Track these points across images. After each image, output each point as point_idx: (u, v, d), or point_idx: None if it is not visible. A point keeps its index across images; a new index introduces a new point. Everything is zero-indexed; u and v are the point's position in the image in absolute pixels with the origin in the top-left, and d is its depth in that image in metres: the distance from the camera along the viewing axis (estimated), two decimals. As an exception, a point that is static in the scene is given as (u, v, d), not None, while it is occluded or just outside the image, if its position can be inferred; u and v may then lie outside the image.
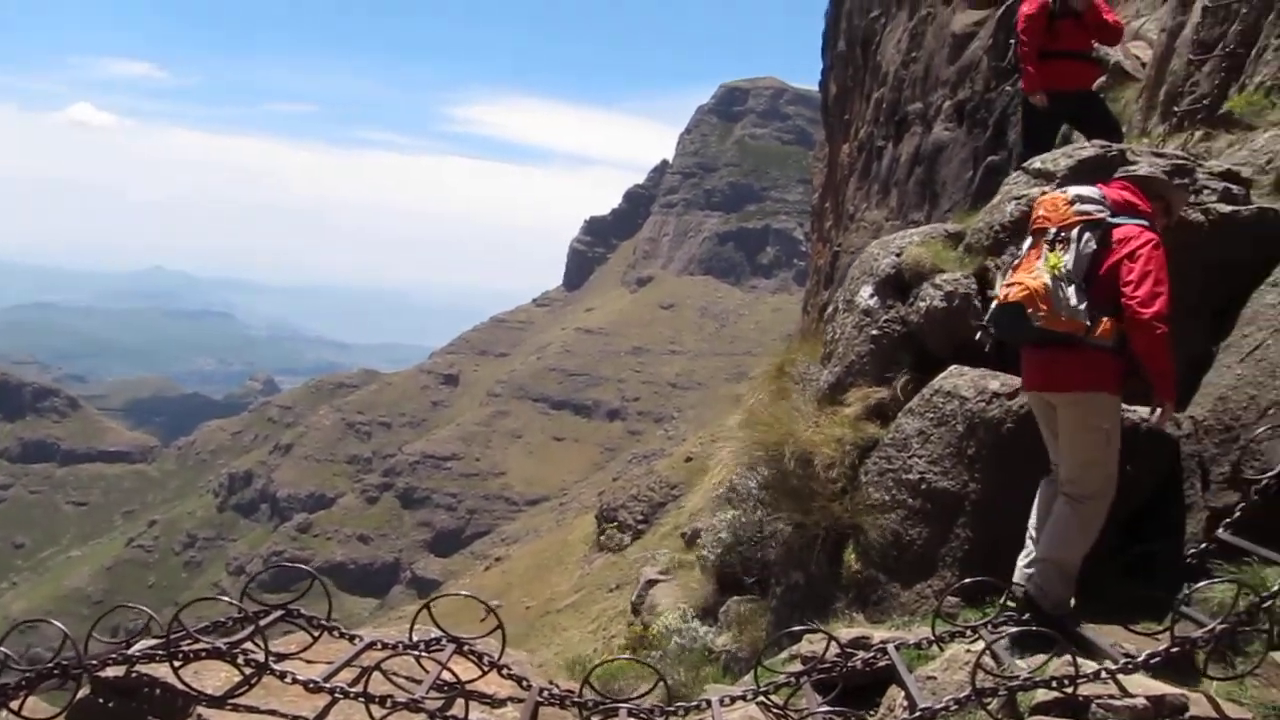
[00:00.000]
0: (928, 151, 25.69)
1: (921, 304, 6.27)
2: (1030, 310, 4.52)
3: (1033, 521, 4.91)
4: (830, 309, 7.43)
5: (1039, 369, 4.77)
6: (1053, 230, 4.70)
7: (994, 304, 4.91)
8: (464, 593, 7.20)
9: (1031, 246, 4.83)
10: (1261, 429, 4.81)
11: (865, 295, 6.62)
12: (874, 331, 6.48)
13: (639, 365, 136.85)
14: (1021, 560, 4.87)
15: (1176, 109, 8.58)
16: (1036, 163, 6.38)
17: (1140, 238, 4.55)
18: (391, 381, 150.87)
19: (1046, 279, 4.52)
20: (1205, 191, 5.82)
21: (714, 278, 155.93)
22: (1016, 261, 4.92)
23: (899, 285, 6.57)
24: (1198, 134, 7.94)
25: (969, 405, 5.54)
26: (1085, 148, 6.40)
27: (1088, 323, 4.47)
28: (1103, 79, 12.86)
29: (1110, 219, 4.65)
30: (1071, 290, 4.49)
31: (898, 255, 6.62)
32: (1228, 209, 5.70)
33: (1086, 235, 4.61)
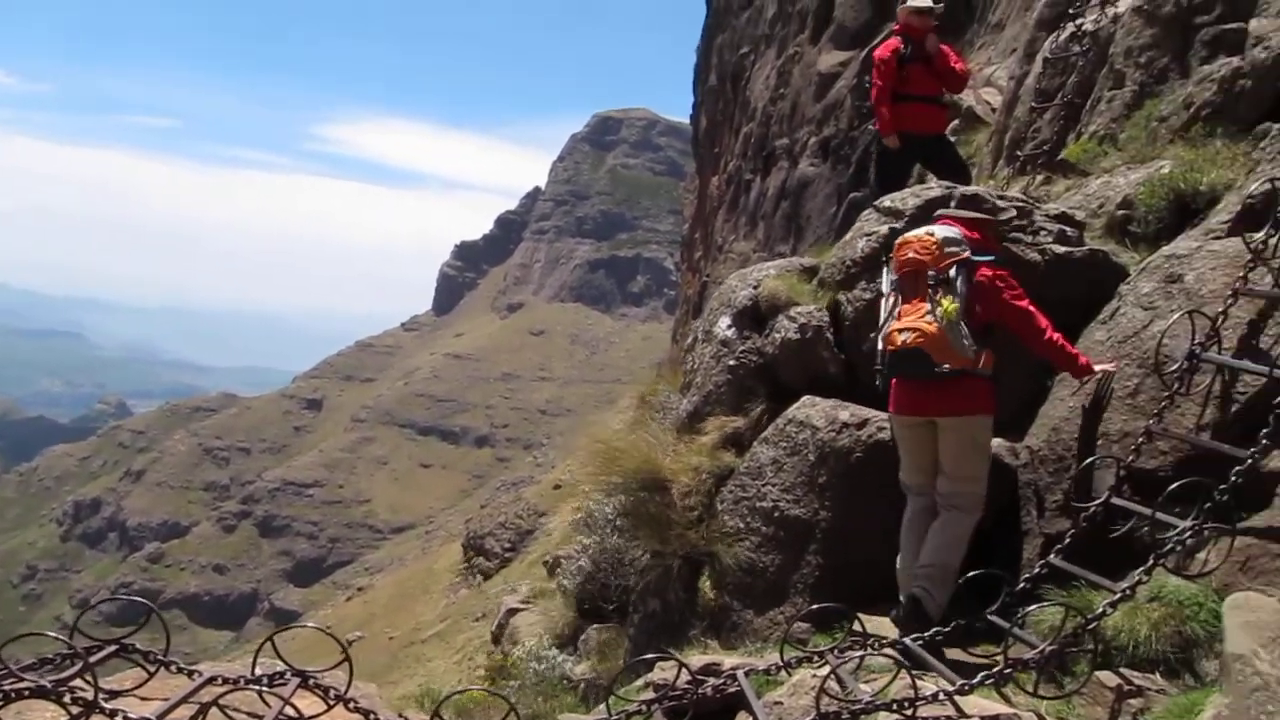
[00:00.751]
0: (794, 186, 26.33)
1: (777, 335, 6.43)
2: (932, 354, 4.86)
3: (903, 551, 5.17)
4: (690, 339, 7.55)
5: (926, 396, 5.02)
6: (932, 273, 4.99)
7: (886, 349, 5.12)
8: (311, 624, 6.99)
9: (906, 287, 5.11)
10: (1091, 459, 5.07)
11: (723, 326, 6.75)
12: (731, 362, 6.60)
13: (509, 391, 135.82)
14: (901, 571, 5.14)
15: (1020, 154, 9.04)
16: (886, 201, 6.61)
17: (1005, 277, 5.06)
18: (252, 406, 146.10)
19: (941, 324, 4.84)
20: (1042, 233, 6.14)
21: (585, 305, 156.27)
22: (895, 304, 5.16)
23: (756, 317, 6.72)
24: (1039, 178, 8.37)
25: (820, 435, 5.69)
26: (932, 188, 6.66)
27: (973, 356, 4.87)
28: (956, 122, 13.45)
29: (972, 257, 5.05)
30: (962, 332, 4.85)
31: (755, 288, 6.78)
32: (1062, 250, 6.02)
33: (960, 277, 4.98)
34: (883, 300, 5.35)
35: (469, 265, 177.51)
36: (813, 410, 5.82)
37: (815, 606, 5.15)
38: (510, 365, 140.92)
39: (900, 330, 4.98)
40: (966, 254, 5.03)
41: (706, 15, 42.39)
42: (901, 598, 5.06)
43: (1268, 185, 5.22)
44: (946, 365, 4.84)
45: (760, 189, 29.77)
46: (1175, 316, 5.02)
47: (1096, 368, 5.06)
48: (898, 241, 5.33)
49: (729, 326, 6.73)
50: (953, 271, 4.96)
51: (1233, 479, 4.25)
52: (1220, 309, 4.91)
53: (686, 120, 49.56)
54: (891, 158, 8.72)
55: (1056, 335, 5.00)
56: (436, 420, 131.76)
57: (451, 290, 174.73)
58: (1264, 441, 4.28)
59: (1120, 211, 6.70)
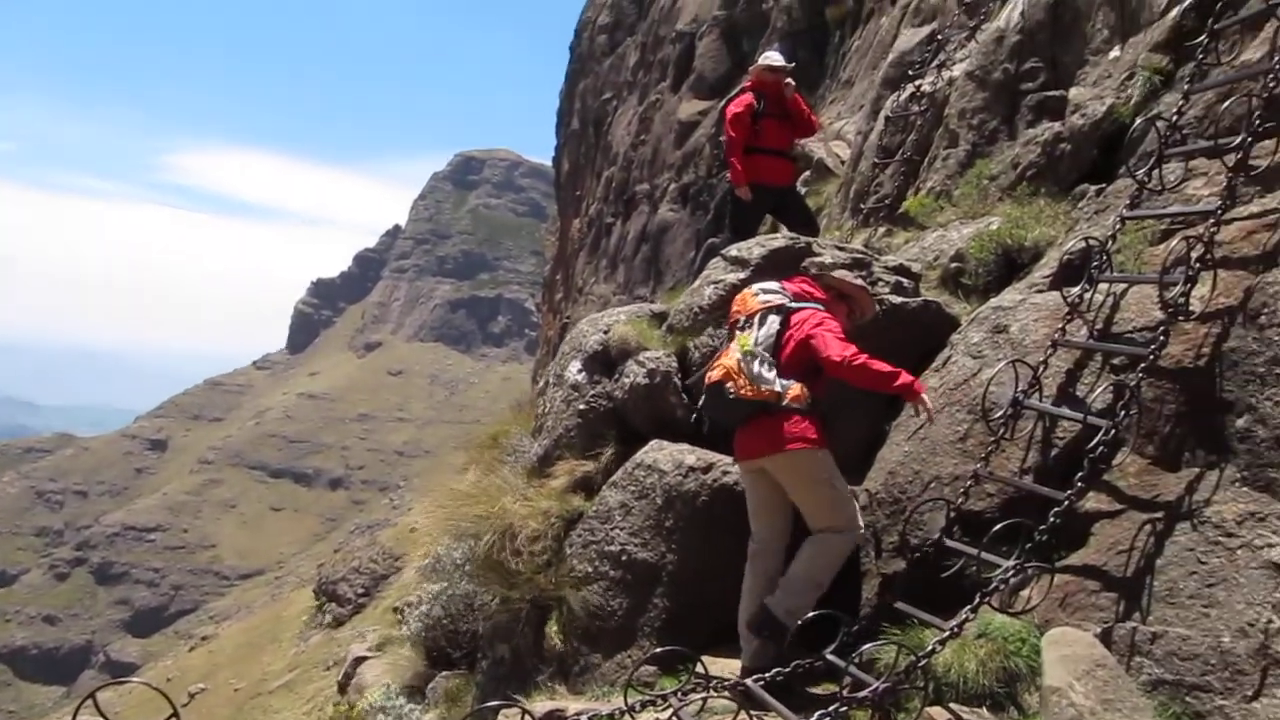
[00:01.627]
0: (654, 230, 26.70)
1: (626, 380, 6.50)
2: (728, 384, 5.06)
3: (746, 596, 5.19)
4: (543, 383, 7.56)
5: (751, 439, 5.14)
6: (743, 319, 5.31)
7: (704, 390, 5.32)
8: (136, 679, 6.66)
9: (728, 339, 5.41)
10: (924, 501, 5.29)
11: (574, 370, 6.79)
12: (581, 406, 6.64)
13: (364, 432, 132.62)
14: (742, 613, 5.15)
15: (863, 206, 9.43)
16: (733, 250, 6.80)
17: (815, 316, 5.20)
18: (89, 446, 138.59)
19: (739, 357, 5.11)
20: (880, 283, 6.40)
21: (445, 345, 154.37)
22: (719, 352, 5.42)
23: (606, 362, 6.79)
24: (881, 230, 8.75)
25: (668, 479, 5.76)
26: (776, 239, 6.88)
27: (779, 389, 5.00)
28: (808, 173, 13.91)
29: (790, 304, 5.29)
30: (760, 364, 5.05)
31: (605, 333, 6.85)
32: (898, 300, 6.29)
33: (771, 318, 5.23)
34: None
35: (325, 303, 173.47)
36: (660, 454, 5.90)
37: (660, 650, 5.18)
38: (367, 405, 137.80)
39: (712, 369, 5.27)
40: (781, 301, 5.30)
41: (570, 61, 42.82)
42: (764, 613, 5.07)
43: (1083, 243, 5.58)
44: (737, 393, 5.01)
45: (621, 232, 30.10)
46: (1000, 365, 5.30)
47: (925, 397, 5.02)
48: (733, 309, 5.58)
49: (579, 371, 6.77)
50: (759, 316, 5.25)
51: (1052, 519, 4.49)
52: (1041, 359, 5.21)
53: (549, 162, 49.76)
54: (744, 208, 8.95)
55: (860, 357, 4.92)
56: (289, 462, 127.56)
57: (307, 328, 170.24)
58: (1079, 484, 4.54)
59: (954, 264, 7.06)
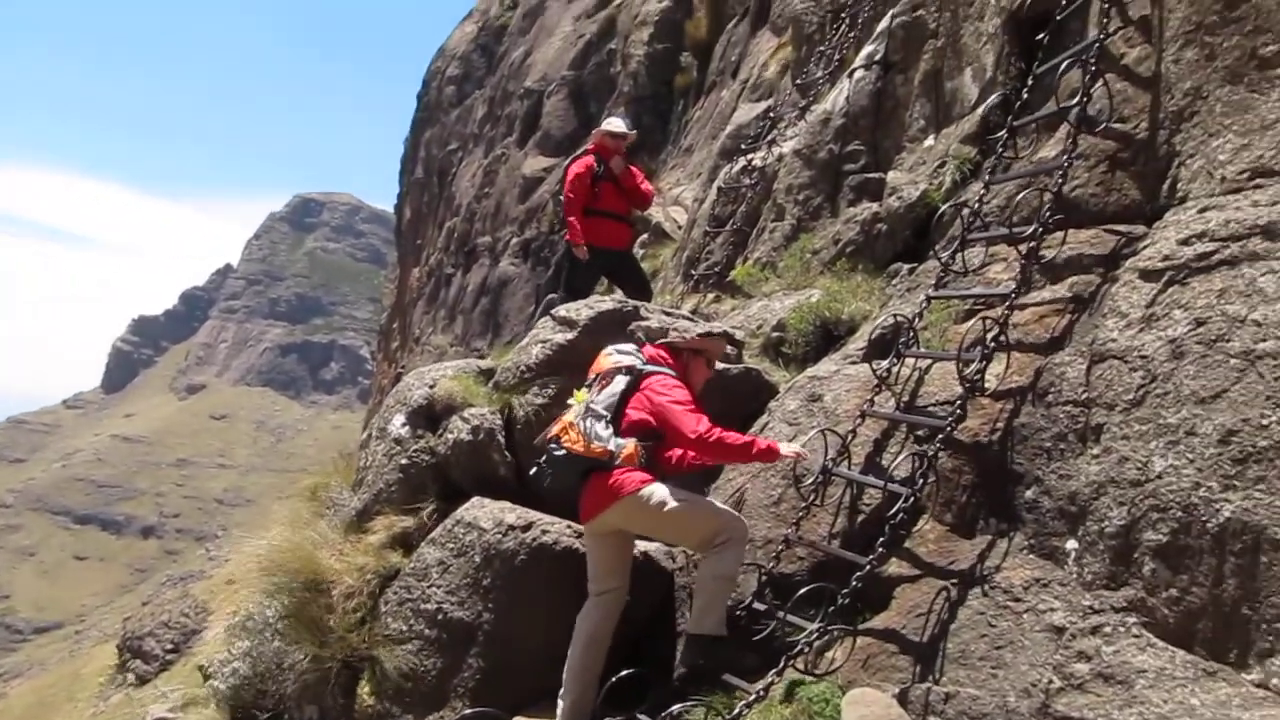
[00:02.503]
0: (494, 283, 26.65)
1: (449, 436, 6.47)
2: (564, 440, 5.05)
3: (574, 655, 5.15)
4: (365, 436, 7.45)
5: (589, 499, 5.10)
6: (593, 377, 5.32)
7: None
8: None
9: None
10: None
11: (397, 424, 6.72)
12: (403, 460, 6.56)
13: (182, 478, 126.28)
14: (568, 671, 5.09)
15: (694, 273, 9.70)
16: (561, 311, 6.88)
17: (665, 382, 5.17)
18: None
19: (573, 414, 5.13)
20: (707, 349, 6.57)
21: (273, 390, 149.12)
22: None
23: (431, 417, 6.74)
24: (710, 296, 9.02)
25: (487, 537, 5.73)
26: (605, 301, 7.01)
27: (612, 448, 4.98)
28: (646, 236, 14.19)
29: (641, 366, 5.28)
30: (595, 422, 5.04)
31: (431, 387, 6.81)
32: (721, 366, 6.46)
33: (619, 377, 5.23)
34: None
35: (147, 341, 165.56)
36: (480, 512, 5.87)
37: (471, 711, 5.12)
38: (186, 450, 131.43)
39: (549, 428, 5.29)
40: (632, 363, 5.30)
41: (417, 109, 42.59)
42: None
43: (892, 320, 5.89)
44: (575, 448, 4.99)
45: (461, 284, 29.94)
46: (812, 433, 5.51)
47: (783, 450, 5.02)
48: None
49: (403, 425, 6.70)
50: (609, 375, 5.26)
51: (854, 584, 4.67)
52: (851, 428, 5.45)
53: (391, 209, 49.22)
54: (580, 268, 9.08)
55: (714, 433, 4.89)
56: (97, 508, 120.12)
57: (125, 367, 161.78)
58: (880, 549, 4.75)
59: (775, 333, 7.33)
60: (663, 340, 5.58)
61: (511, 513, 5.78)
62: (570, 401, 5.29)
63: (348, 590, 6.01)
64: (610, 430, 5.05)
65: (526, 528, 5.67)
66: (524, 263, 25.69)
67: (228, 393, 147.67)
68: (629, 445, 5.01)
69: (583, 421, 5.06)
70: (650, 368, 5.29)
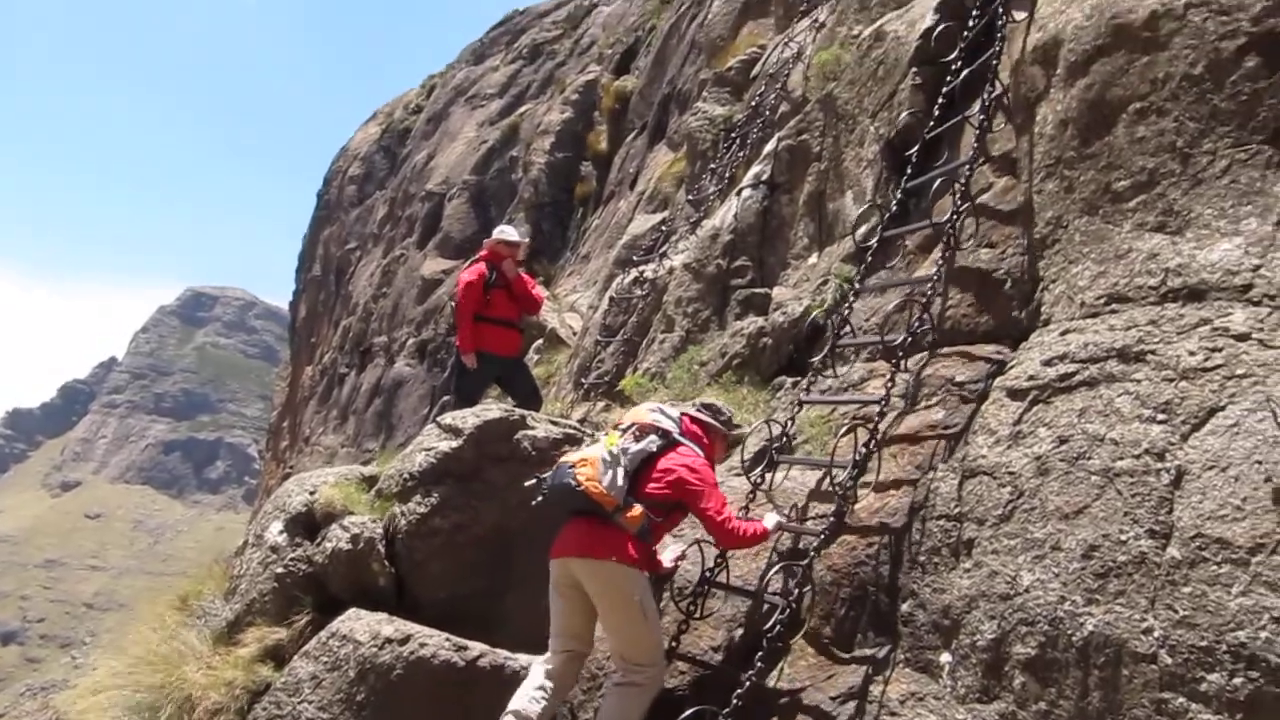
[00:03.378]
0: (389, 384, 26.33)
1: (328, 545, 6.31)
2: (579, 470, 4.92)
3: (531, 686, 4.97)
4: (241, 542, 7.22)
5: (575, 536, 4.94)
6: (626, 424, 5.25)
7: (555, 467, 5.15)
8: None
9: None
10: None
11: (274, 531, 6.53)
12: (279, 569, 6.36)
13: (50, 580, 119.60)
14: None
15: (584, 381, 9.77)
16: (447, 418, 6.84)
17: (696, 460, 5.09)
18: None
19: (603, 453, 4.99)
20: (592, 458, 6.59)
21: (154, 488, 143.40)
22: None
23: (309, 524, 6.57)
24: (600, 405, 9.07)
25: (363, 650, 5.55)
26: (492, 409, 6.99)
27: (620, 502, 4.85)
28: (541, 341, 14.25)
29: (676, 435, 5.19)
30: (617, 470, 4.92)
31: (311, 494, 6.67)
32: (610, 476, 6.47)
33: (653, 437, 5.13)
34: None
35: (20, 435, 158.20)
36: (357, 624, 5.69)
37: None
38: (56, 550, 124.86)
39: (572, 452, 5.23)
40: (669, 428, 5.21)
41: (317, 207, 42.44)
42: None
43: (770, 430, 6.01)
44: (589, 486, 4.85)
45: (355, 384, 29.50)
46: (691, 544, 5.53)
47: (768, 523, 5.10)
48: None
49: (280, 532, 6.51)
50: (646, 431, 5.16)
51: (735, 702, 4.64)
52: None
53: (286, 306, 48.48)
54: (470, 374, 9.06)
55: (733, 520, 4.95)
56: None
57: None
58: (759, 664, 4.75)
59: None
60: (700, 417, 5.51)
61: (389, 625, 5.62)
62: (600, 436, 5.22)
63: (214, 706, 5.74)
64: (626, 485, 4.93)
65: (404, 640, 5.51)
66: (420, 364, 25.50)
67: (105, 490, 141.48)
68: (636, 508, 4.90)
69: (605, 465, 4.94)
70: (684, 440, 5.21)
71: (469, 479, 6.47)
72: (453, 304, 9.38)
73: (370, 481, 6.85)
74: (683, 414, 5.47)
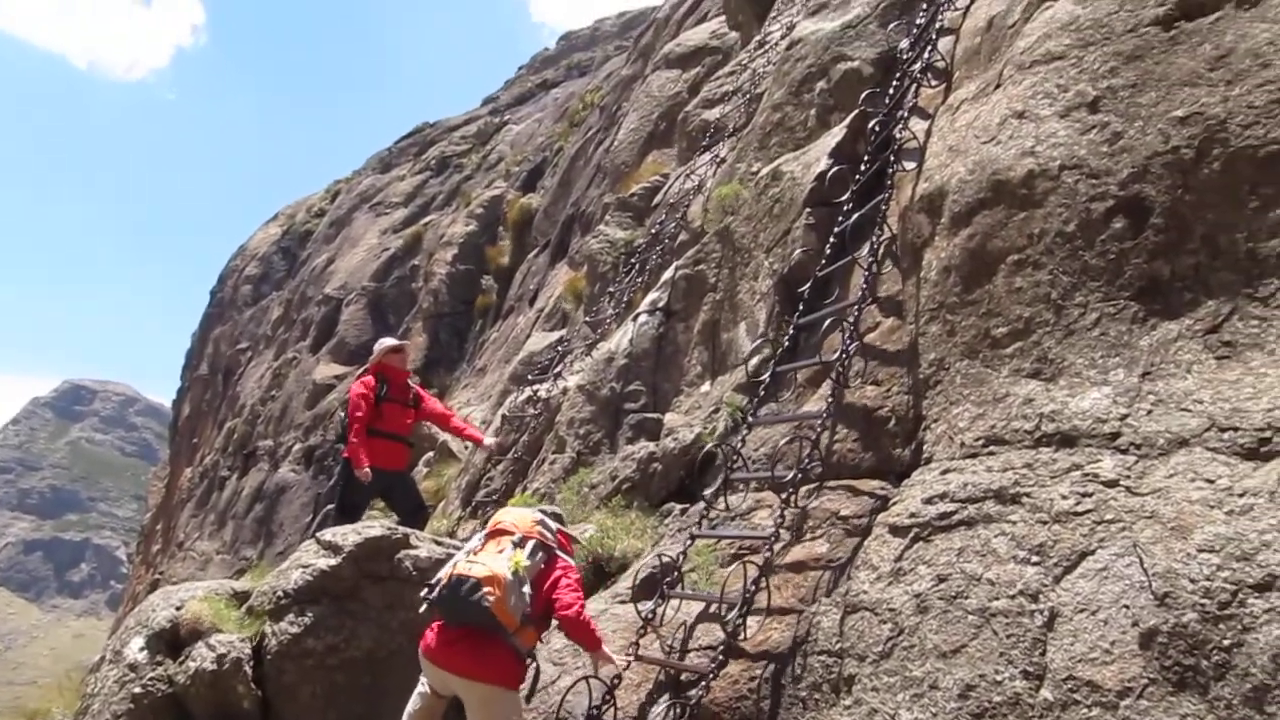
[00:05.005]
0: (271, 490, 25.64)
1: (191, 664, 5.99)
2: (487, 590, 4.84)
3: None
4: (98, 658, 6.81)
5: (464, 653, 4.89)
6: (518, 535, 5.21)
7: (448, 578, 5.05)
8: None
9: (489, 540, 5.27)
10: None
11: (135, 648, 6.18)
12: (136, 689, 6.00)
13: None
14: None
15: (475, 498, 9.62)
16: (327, 535, 6.65)
17: (573, 570, 5.24)
18: None
19: (508, 572, 4.93)
20: (476, 580, 6.46)
21: (9, 590, 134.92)
22: (475, 546, 5.27)
23: (174, 641, 6.25)
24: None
25: (219, 779, 5.27)
26: (374, 527, 6.81)
27: (519, 622, 4.88)
28: (430, 454, 14.04)
29: (555, 549, 5.28)
30: (522, 591, 4.94)
31: (178, 608, 6.35)
32: (490, 600, 6.34)
33: (539, 553, 5.17)
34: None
35: None
36: (216, 752, 5.42)
37: None
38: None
39: (473, 563, 5.05)
40: (550, 542, 5.28)
41: (209, 305, 41.75)
42: None
43: (659, 560, 5.98)
44: (491, 604, 4.81)
45: (236, 487, 28.65)
46: (578, 677, 5.42)
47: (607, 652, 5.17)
48: (497, 515, 5.53)
49: (141, 649, 6.16)
50: (533, 544, 5.18)
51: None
52: (616, 672, 5.39)
53: (169, 404, 47.08)
54: (355, 487, 8.84)
55: (586, 615, 5.09)
56: None
57: None
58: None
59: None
60: (570, 533, 5.71)
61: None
62: (500, 554, 5.07)
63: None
64: (524, 606, 4.94)
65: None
66: (305, 470, 24.93)
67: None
68: (530, 631, 4.99)
69: (512, 585, 4.92)
70: (559, 553, 5.32)
71: (346, 599, 6.28)
72: (343, 413, 9.19)
73: (242, 597, 6.57)
74: (558, 529, 5.59)
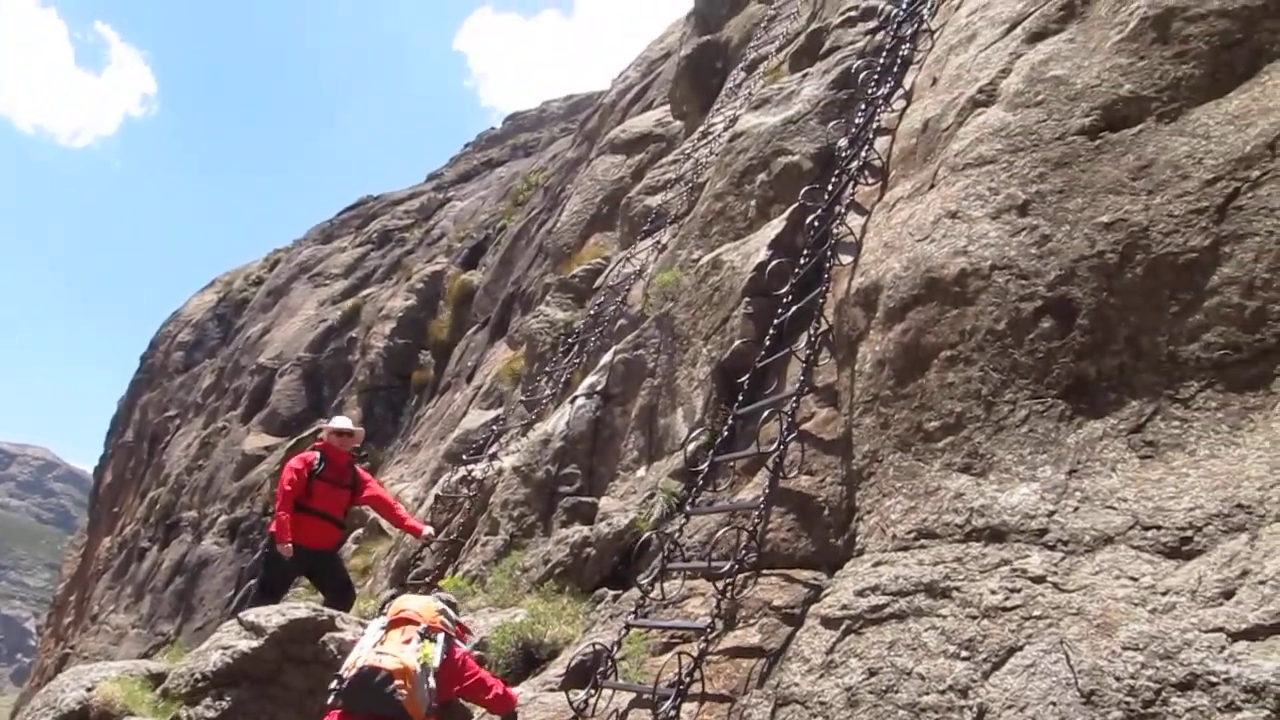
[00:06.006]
0: (193, 562, 25.00)
1: (99, 751, 5.78)
2: (399, 684, 4.93)
3: None
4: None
5: None
6: (423, 625, 5.33)
7: (356, 669, 5.08)
8: None
9: (393, 629, 5.36)
10: None
11: (40, 731, 5.94)
12: (38, 777, 5.77)
13: None
14: None
15: (405, 580, 9.45)
16: (250, 615, 6.48)
17: (471, 658, 5.58)
18: None
19: (417, 665, 5.04)
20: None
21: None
22: (380, 636, 5.34)
23: (83, 724, 6.02)
24: (417, 604, 8.76)
25: None
26: (299, 608, 6.66)
27: (424, 714, 4.97)
28: (361, 530, 13.79)
29: (453, 637, 5.47)
30: (429, 682, 5.05)
31: (89, 690, 6.12)
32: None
33: (443, 643, 5.31)
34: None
35: None
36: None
37: None
38: None
39: (381, 654, 5.10)
40: (448, 631, 5.44)
41: (139, 370, 40.94)
42: None
43: (592, 648, 5.89)
44: (403, 698, 4.89)
45: (156, 559, 27.86)
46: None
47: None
48: (398, 603, 5.62)
49: (47, 732, 5.93)
50: (440, 635, 5.32)
51: None
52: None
53: (91, 471, 45.81)
54: (280, 564, 8.62)
55: (503, 691, 5.44)
56: None
57: None
58: None
59: (477, 652, 7.12)
60: (464, 623, 6.06)
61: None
62: (406, 646, 5.15)
63: None
64: (431, 698, 5.05)
65: None
66: (230, 543, 24.34)
67: None
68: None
69: (421, 678, 5.02)
70: (458, 642, 5.51)
71: (267, 682, 6.12)
72: (273, 488, 9.01)
73: (158, 679, 6.35)
74: (455, 621, 5.82)
